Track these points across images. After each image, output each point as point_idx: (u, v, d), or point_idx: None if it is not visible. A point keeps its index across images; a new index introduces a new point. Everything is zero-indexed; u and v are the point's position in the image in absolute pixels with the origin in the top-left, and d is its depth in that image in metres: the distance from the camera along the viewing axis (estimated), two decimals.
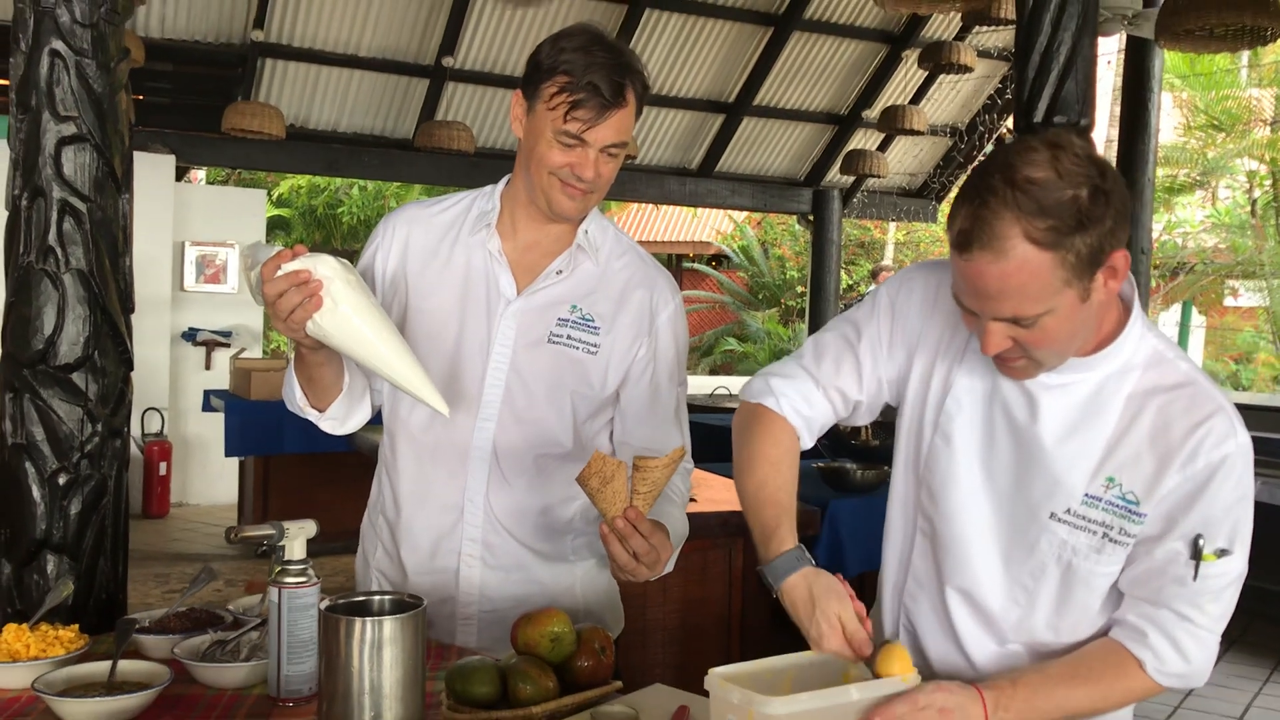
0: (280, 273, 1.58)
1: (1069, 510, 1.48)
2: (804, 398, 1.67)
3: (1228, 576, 1.44)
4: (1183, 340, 10.24)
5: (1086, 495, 1.47)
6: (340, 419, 1.86)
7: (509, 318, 1.84)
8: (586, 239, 1.88)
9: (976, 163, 11.19)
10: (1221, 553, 1.42)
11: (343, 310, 1.59)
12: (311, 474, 6.64)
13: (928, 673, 1.59)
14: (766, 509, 1.59)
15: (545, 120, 1.74)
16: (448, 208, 1.93)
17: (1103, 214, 1.32)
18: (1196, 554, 1.41)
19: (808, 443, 1.69)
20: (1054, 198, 1.30)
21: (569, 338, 1.84)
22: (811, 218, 10.45)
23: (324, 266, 1.60)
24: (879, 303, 1.66)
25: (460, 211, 1.91)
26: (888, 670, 1.41)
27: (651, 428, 1.90)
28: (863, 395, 1.66)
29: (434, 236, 1.89)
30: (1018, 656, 1.58)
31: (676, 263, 19.69)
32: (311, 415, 1.84)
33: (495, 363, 1.83)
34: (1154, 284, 13.25)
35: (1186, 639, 1.45)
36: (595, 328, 1.85)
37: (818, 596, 1.46)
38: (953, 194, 11.87)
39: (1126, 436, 1.45)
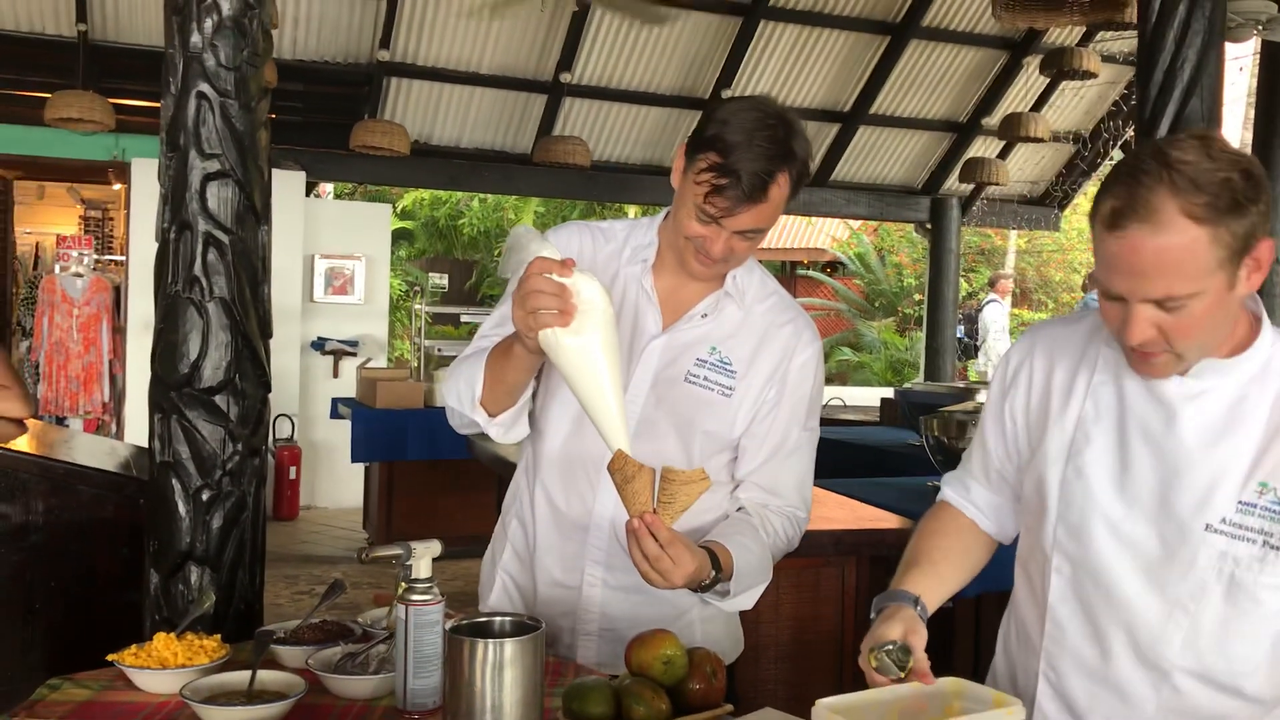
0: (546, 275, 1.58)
1: (1224, 520, 1.43)
2: (965, 487, 1.80)
3: None
4: None
5: (1241, 503, 1.43)
6: (507, 426, 1.84)
7: (650, 354, 1.88)
8: (734, 285, 1.90)
9: (1102, 169, 10.91)
10: None
11: (585, 340, 1.60)
12: (433, 480, 6.82)
13: None
14: (904, 562, 1.71)
15: (690, 189, 1.76)
16: (611, 237, 1.96)
17: (1256, 197, 1.33)
18: None
19: (991, 527, 1.79)
20: (1208, 177, 1.31)
21: (705, 379, 1.87)
22: (929, 226, 10.30)
23: (589, 291, 1.60)
24: (992, 386, 1.75)
25: (620, 242, 1.94)
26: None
27: (772, 470, 1.91)
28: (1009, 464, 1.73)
29: (599, 262, 1.92)
30: (1182, 694, 1.50)
31: (791, 270, 19.58)
32: (480, 417, 1.82)
33: (631, 395, 1.85)
34: None
35: None
36: (732, 371, 1.88)
37: (875, 625, 1.54)
38: (1076, 201, 11.57)
39: (1276, 440, 1.43)
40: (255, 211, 2.26)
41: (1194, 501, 1.45)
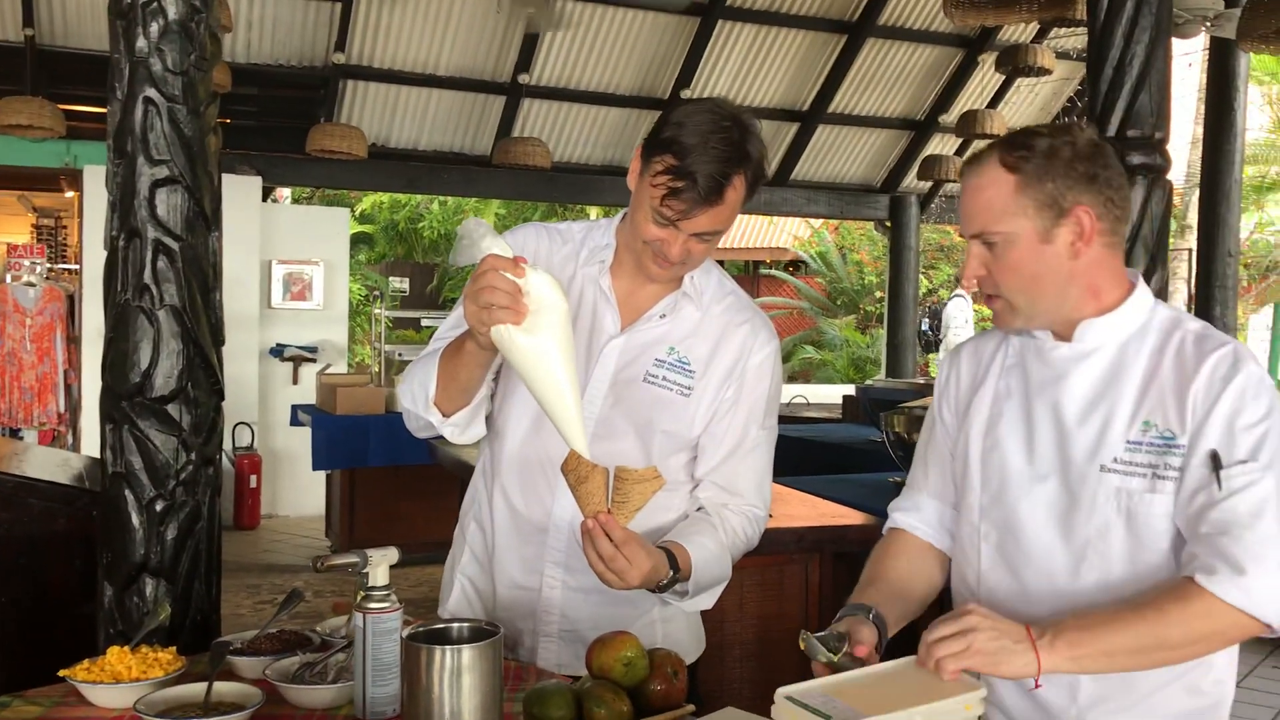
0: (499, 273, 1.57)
1: (1116, 459, 1.57)
2: (915, 506, 1.86)
3: (1256, 485, 1.46)
4: (1275, 342, 9.96)
5: (1129, 442, 1.56)
6: (462, 426, 1.83)
7: (608, 354, 1.88)
8: (692, 285, 1.91)
9: None
10: (1242, 462, 1.47)
11: (540, 339, 1.59)
12: (395, 487, 6.79)
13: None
14: (858, 587, 1.77)
15: (646, 191, 1.76)
16: (568, 238, 1.96)
17: (1070, 167, 1.54)
18: (1216, 466, 1.48)
19: (944, 541, 1.84)
20: (1033, 141, 1.56)
21: (664, 379, 1.88)
22: (889, 224, 10.37)
23: (544, 289, 1.59)
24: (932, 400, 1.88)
25: (578, 244, 1.95)
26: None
27: (730, 469, 1.92)
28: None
29: (556, 263, 1.92)
30: None
31: (754, 269, 19.65)
32: (434, 418, 1.80)
33: (589, 396, 1.86)
34: (1244, 285, 12.89)
35: (1235, 548, 1.42)
36: (690, 370, 1.89)
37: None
38: None
39: (1153, 383, 1.57)
40: (205, 217, 2.23)
41: (1089, 447, 1.59)
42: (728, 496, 1.92)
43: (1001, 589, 1.67)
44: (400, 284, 13.86)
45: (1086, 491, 1.58)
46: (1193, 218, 10.69)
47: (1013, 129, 1.65)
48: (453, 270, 15.91)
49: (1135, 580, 1.55)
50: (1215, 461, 1.48)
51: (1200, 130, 8.51)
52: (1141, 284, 1.65)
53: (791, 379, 16.09)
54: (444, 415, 1.80)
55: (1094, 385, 1.61)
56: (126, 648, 1.75)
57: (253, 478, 8.03)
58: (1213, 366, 1.53)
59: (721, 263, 2.06)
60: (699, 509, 1.92)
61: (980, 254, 1.60)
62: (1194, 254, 7.14)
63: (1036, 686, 1.47)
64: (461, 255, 1.64)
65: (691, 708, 1.68)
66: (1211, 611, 1.43)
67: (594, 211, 13.53)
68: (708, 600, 1.86)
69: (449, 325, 1.89)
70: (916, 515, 1.85)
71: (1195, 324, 1.63)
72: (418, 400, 1.81)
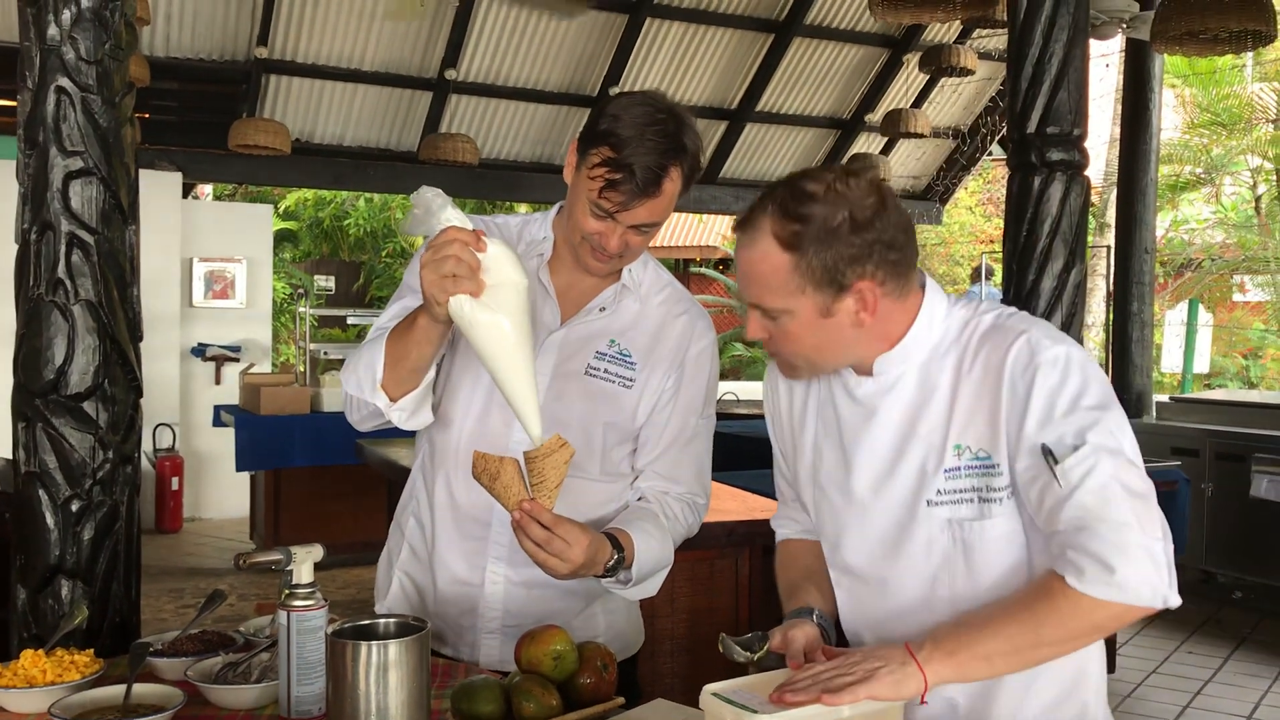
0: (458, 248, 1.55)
1: (939, 491, 1.52)
2: (793, 520, 1.84)
3: (1094, 471, 1.40)
4: (1190, 337, 10.25)
5: (947, 470, 1.52)
6: (410, 411, 1.79)
7: (549, 348, 1.87)
8: (630, 277, 1.92)
9: (981, 163, 11.21)
10: (1074, 449, 1.40)
11: (500, 316, 1.58)
12: (322, 487, 6.70)
13: None
14: (785, 596, 1.75)
15: (584, 184, 1.76)
16: (505, 232, 1.93)
17: (848, 243, 1.45)
18: (1052, 462, 1.41)
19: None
20: (809, 210, 1.45)
21: (606, 371, 1.88)
22: None
23: (504, 264, 1.58)
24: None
25: (514, 237, 1.93)
26: None
27: (671, 459, 1.92)
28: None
29: None
30: None
31: (684, 268, 19.72)
32: (381, 402, 1.76)
33: None
34: (1160, 281, 13.24)
35: (1096, 544, 1.37)
36: (632, 363, 1.89)
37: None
38: (957, 195, 11.86)
39: (958, 404, 1.52)
40: (122, 210, 2.17)
41: (911, 484, 1.55)
42: (669, 484, 1.93)
43: (865, 631, 1.66)
44: (326, 282, 13.65)
45: (919, 528, 1.54)
46: (1111, 216, 10.95)
47: (795, 174, 1.51)
48: (379, 268, 15.74)
49: (990, 598, 1.52)
50: (1049, 457, 1.42)
51: (1118, 130, 8.70)
52: (930, 293, 1.57)
53: (722, 376, 16.11)
54: (391, 400, 1.77)
55: (903, 417, 1.56)
56: (41, 651, 1.71)
57: (174, 480, 7.87)
58: (1012, 364, 1.47)
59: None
60: (640, 499, 1.92)
61: (760, 320, 1.53)
62: (1112, 251, 7.31)
63: (923, 703, 1.42)
64: (416, 224, 1.62)
65: (621, 700, 1.68)
66: (1087, 609, 1.39)
67: (523, 209, 13.47)
68: (652, 586, 1.86)
69: (389, 317, 1.85)
70: (796, 525, 1.84)
71: (987, 316, 1.56)
72: (364, 384, 1.76)
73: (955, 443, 1.51)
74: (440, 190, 1.62)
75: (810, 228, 1.45)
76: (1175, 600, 1.38)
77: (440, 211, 1.60)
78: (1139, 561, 1.37)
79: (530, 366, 1.62)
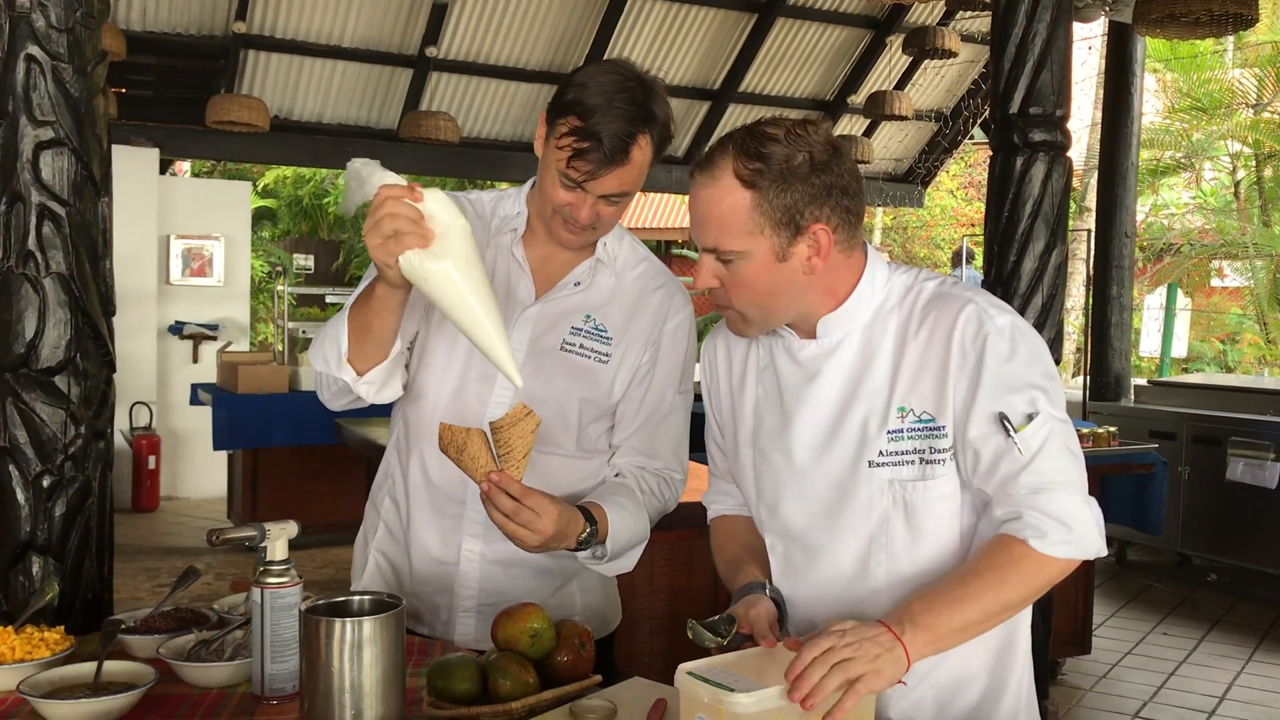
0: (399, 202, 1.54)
1: (881, 453, 1.54)
2: (725, 494, 1.84)
3: (1051, 435, 1.47)
4: (1169, 321, 10.28)
5: (889, 432, 1.54)
6: (378, 384, 1.78)
7: (524, 323, 1.86)
8: (605, 251, 1.90)
9: (963, 146, 11.20)
10: (1029, 418, 1.46)
11: (450, 264, 1.55)
12: (299, 466, 6.67)
13: None
14: (728, 574, 1.75)
15: (552, 155, 1.74)
16: (479, 208, 1.93)
17: (807, 182, 1.47)
18: (1009, 431, 1.46)
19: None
20: (770, 150, 1.47)
21: (581, 346, 1.86)
22: None
23: (442, 210, 1.56)
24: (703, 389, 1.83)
25: (488, 214, 1.92)
26: None
27: (648, 433, 1.91)
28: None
29: None
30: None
31: (666, 249, 19.67)
32: (348, 376, 1.74)
33: None
34: (1140, 266, 13.29)
35: (1055, 506, 1.44)
36: (608, 338, 1.88)
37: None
38: (939, 178, 11.85)
39: (902, 367, 1.54)
40: (94, 182, 2.13)
41: (853, 446, 1.56)
42: (645, 460, 1.91)
43: (797, 596, 1.65)
44: (305, 261, 13.57)
45: (860, 489, 1.55)
46: (1091, 200, 10.98)
47: (761, 121, 1.53)
48: (359, 247, 15.63)
49: (924, 571, 1.55)
50: (1006, 426, 1.46)
51: (1099, 114, 8.71)
52: (873, 258, 1.60)
53: (701, 356, 16.15)
54: (358, 373, 1.75)
55: (846, 380, 1.58)
56: (10, 628, 1.70)
57: (151, 459, 7.82)
58: (961, 330, 1.50)
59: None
60: (616, 475, 1.91)
61: (713, 266, 1.53)
62: (1092, 235, 7.32)
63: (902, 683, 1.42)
64: (354, 198, 1.60)
65: (598, 678, 1.67)
66: (1046, 567, 1.45)
67: (504, 187, 13.40)
68: (628, 562, 1.84)
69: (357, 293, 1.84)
70: (730, 501, 1.83)
71: (930, 284, 1.59)
72: (330, 360, 1.75)
73: (899, 405, 1.53)
74: (369, 159, 1.60)
75: (771, 166, 1.47)
76: (1105, 549, 1.49)
77: (371, 178, 1.58)
78: (1086, 519, 1.46)
79: (493, 309, 1.59)
